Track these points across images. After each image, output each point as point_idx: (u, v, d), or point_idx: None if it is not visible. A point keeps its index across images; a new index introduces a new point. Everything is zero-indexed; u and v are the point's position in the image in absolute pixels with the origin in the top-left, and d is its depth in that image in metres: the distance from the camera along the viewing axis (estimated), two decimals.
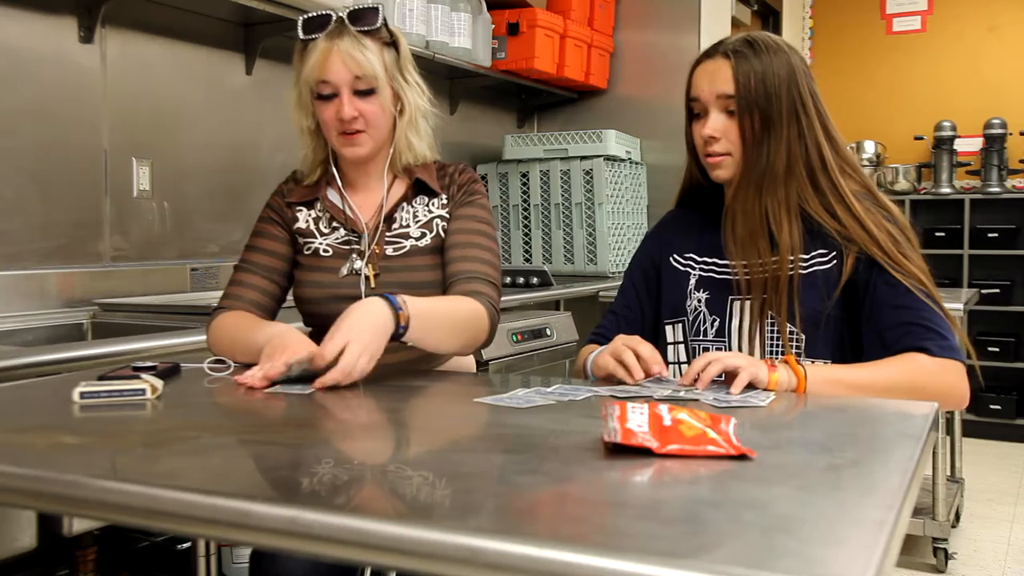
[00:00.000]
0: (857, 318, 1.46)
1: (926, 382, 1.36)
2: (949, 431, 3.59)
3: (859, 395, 1.33)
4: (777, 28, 5.53)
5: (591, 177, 3.83)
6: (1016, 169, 5.15)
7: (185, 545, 2.14)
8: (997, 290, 4.97)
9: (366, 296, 1.57)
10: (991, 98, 5.24)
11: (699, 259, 1.58)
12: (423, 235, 1.65)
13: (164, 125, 2.68)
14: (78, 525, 1.67)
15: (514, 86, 4.09)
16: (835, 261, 1.46)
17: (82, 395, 1.24)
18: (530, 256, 4.01)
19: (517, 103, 4.40)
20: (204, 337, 1.90)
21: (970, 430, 4.64)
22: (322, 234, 1.66)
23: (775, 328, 1.47)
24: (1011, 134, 5.10)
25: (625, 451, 0.95)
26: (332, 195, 1.68)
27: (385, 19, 1.58)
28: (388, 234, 1.65)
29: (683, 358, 1.57)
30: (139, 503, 0.85)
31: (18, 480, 0.92)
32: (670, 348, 1.59)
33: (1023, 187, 5.17)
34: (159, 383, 1.30)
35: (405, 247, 1.64)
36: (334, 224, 1.66)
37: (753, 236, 1.48)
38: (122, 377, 1.33)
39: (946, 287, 4.46)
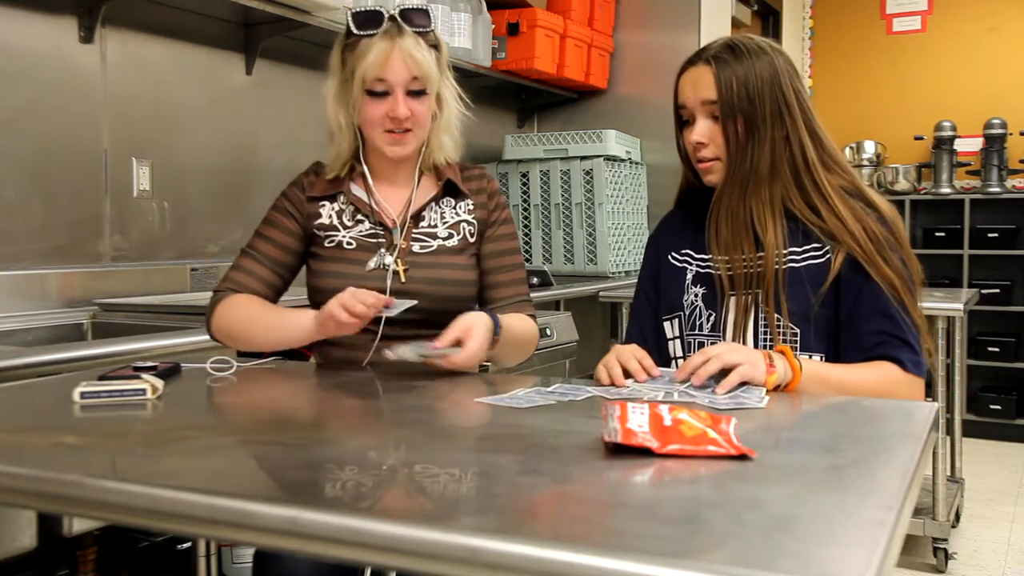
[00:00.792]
0: (848, 306, 1.48)
1: (896, 393, 1.41)
2: (949, 431, 3.59)
3: (841, 395, 1.36)
4: (777, 28, 5.54)
5: (591, 177, 3.83)
6: (1016, 169, 5.15)
7: (185, 545, 2.14)
8: (997, 290, 4.97)
9: (392, 291, 1.59)
10: (991, 98, 5.24)
11: (696, 255, 1.59)
12: (450, 235, 1.66)
13: (164, 125, 2.68)
14: (78, 525, 1.67)
15: (514, 86, 4.09)
16: (827, 256, 1.47)
17: (82, 395, 1.24)
18: (530, 256, 4.01)
19: (517, 103, 4.40)
20: (204, 337, 1.90)
21: (970, 430, 4.63)
22: (345, 227, 1.65)
23: (766, 323, 1.48)
24: (1011, 134, 5.10)
25: (625, 451, 0.95)
26: (356, 189, 1.66)
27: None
28: (415, 231, 1.65)
29: (679, 353, 1.58)
30: (139, 503, 0.85)
31: (18, 480, 0.92)
32: (669, 344, 1.60)
33: (1023, 187, 5.17)
34: (159, 383, 1.30)
35: (432, 246, 1.65)
36: (358, 217, 1.65)
37: (736, 237, 1.50)
38: (122, 377, 1.33)
39: (946, 287, 4.46)
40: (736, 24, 4.69)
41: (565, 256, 3.92)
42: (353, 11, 1.58)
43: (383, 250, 1.62)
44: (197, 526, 0.86)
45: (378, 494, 0.89)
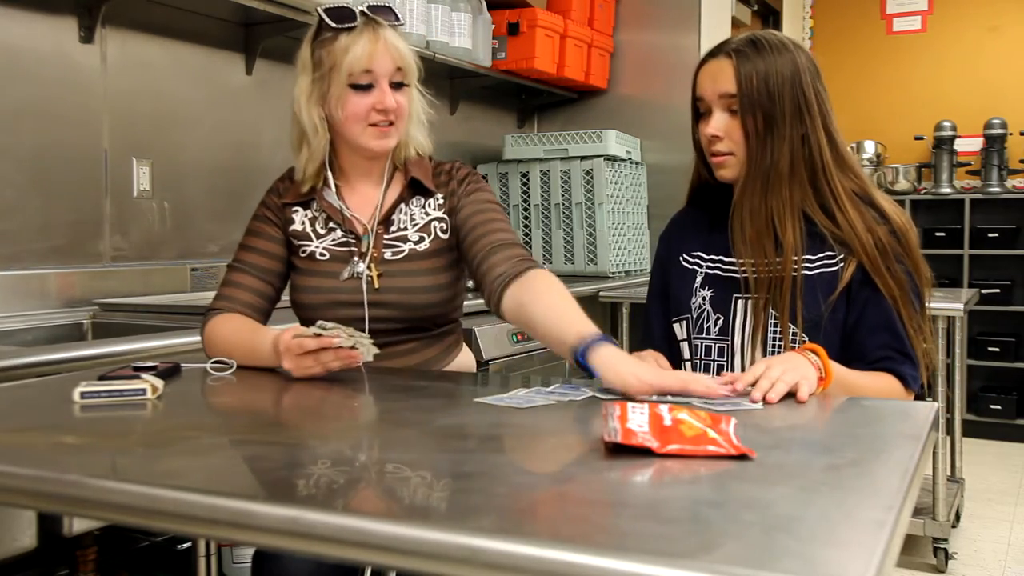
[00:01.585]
0: (858, 313, 1.48)
1: None
2: (949, 431, 3.59)
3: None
4: (777, 28, 5.53)
5: (591, 177, 3.83)
6: (1016, 169, 5.15)
7: (185, 545, 2.14)
8: (997, 290, 4.97)
9: (369, 300, 1.56)
10: (991, 98, 5.24)
11: (707, 257, 1.58)
12: (421, 239, 1.63)
13: (164, 125, 2.68)
14: (78, 525, 1.67)
15: (514, 86, 4.09)
16: (840, 265, 1.47)
17: (82, 395, 1.24)
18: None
19: (517, 103, 4.40)
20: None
21: (970, 430, 4.63)
22: (318, 236, 1.63)
23: (777, 328, 1.47)
24: (1011, 134, 5.10)
25: (625, 451, 0.95)
26: (328, 195, 1.64)
27: None
28: (386, 236, 1.62)
29: (687, 356, 1.58)
30: (139, 503, 0.85)
31: (18, 480, 0.92)
32: (680, 346, 1.60)
33: (1023, 187, 5.17)
34: (159, 383, 1.30)
35: (404, 251, 1.62)
36: (331, 225, 1.63)
37: (760, 236, 1.49)
38: (122, 377, 1.33)
39: (946, 287, 4.46)
40: (736, 24, 4.69)
41: (565, 256, 3.92)
42: (325, 8, 1.57)
43: (356, 258, 1.60)
44: (197, 526, 0.86)
45: (377, 493, 0.89)
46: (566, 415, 1.19)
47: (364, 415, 1.31)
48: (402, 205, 1.65)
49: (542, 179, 3.94)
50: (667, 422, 0.98)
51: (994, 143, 5.07)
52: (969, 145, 5.20)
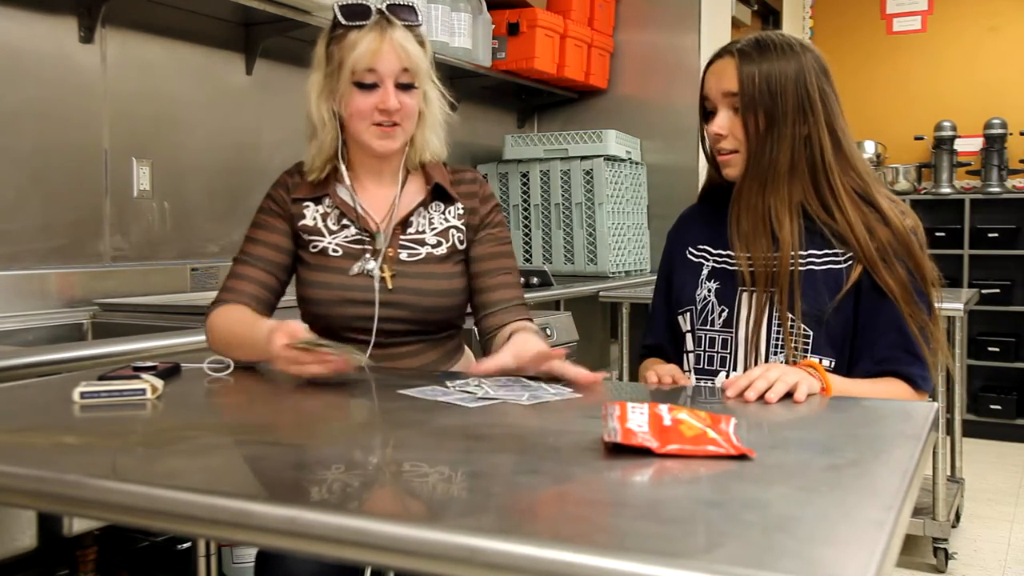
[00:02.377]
0: (861, 314, 1.50)
1: None
2: (949, 431, 3.59)
3: None
4: (777, 28, 5.53)
5: (591, 177, 3.83)
6: (1016, 169, 5.15)
7: (185, 545, 2.14)
8: (997, 290, 4.97)
9: (381, 300, 1.57)
10: (991, 98, 5.24)
11: (713, 251, 1.60)
12: (439, 243, 1.63)
13: (164, 125, 2.68)
14: (78, 525, 1.67)
15: (514, 86, 4.09)
16: (849, 263, 1.49)
17: (82, 395, 1.24)
18: (530, 256, 4.01)
19: (517, 103, 4.40)
20: (204, 337, 1.90)
21: (970, 430, 4.63)
22: (331, 232, 1.62)
23: (780, 323, 1.49)
24: (1011, 134, 5.10)
25: (625, 451, 0.95)
26: (342, 191, 1.63)
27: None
28: (403, 237, 1.62)
29: (691, 347, 1.59)
30: (139, 503, 0.85)
31: (18, 480, 0.92)
32: (685, 337, 1.62)
33: (1023, 187, 5.17)
34: (159, 383, 1.30)
35: (421, 254, 1.62)
36: (344, 222, 1.62)
37: (755, 231, 1.51)
38: (122, 377, 1.33)
39: (946, 287, 4.45)
40: (736, 24, 4.69)
41: (565, 256, 3.92)
42: (341, 3, 1.56)
43: (367, 255, 1.60)
44: (197, 526, 0.86)
45: (377, 494, 0.89)
46: (566, 415, 1.19)
47: (364, 415, 1.30)
48: (421, 208, 1.64)
49: (542, 179, 3.94)
50: (667, 422, 0.98)
51: (994, 143, 5.07)
52: (969, 145, 5.20)
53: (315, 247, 1.62)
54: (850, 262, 1.48)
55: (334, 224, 1.63)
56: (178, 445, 1.04)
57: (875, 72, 5.57)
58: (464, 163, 1.74)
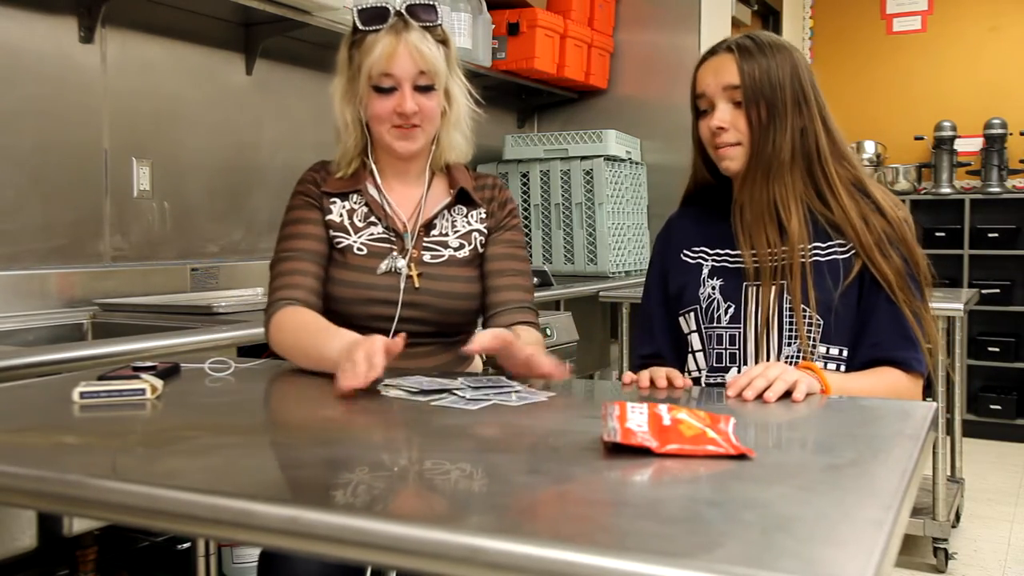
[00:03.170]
0: (864, 302, 1.52)
1: (901, 396, 1.47)
2: (949, 431, 3.59)
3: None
4: (777, 28, 5.53)
5: (591, 177, 3.83)
6: (1016, 169, 5.15)
7: (185, 545, 2.14)
8: (997, 290, 4.97)
9: (404, 300, 1.56)
10: (991, 98, 5.24)
11: (711, 251, 1.60)
12: (461, 246, 1.64)
13: (164, 125, 2.68)
14: (78, 525, 1.67)
15: (514, 86, 4.09)
16: (852, 252, 1.51)
17: (82, 395, 1.24)
18: (530, 256, 4.01)
19: (517, 103, 4.40)
20: (204, 337, 1.91)
21: (970, 430, 4.63)
22: (356, 229, 1.62)
23: (792, 315, 1.50)
24: (1011, 134, 5.10)
25: (625, 451, 0.95)
26: (371, 189, 1.64)
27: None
28: (426, 239, 1.63)
29: (698, 346, 1.59)
30: (140, 503, 0.85)
31: (18, 480, 0.92)
32: (689, 339, 1.61)
33: (1023, 187, 5.17)
34: (159, 383, 1.30)
35: (443, 256, 1.62)
36: (371, 219, 1.62)
37: (760, 222, 1.52)
38: (122, 377, 1.33)
39: (946, 287, 4.46)
40: (736, 24, 4.69)
41: (565, 256, 3.92)
42: (359, 7, 1.56)
43: (395, 253, 1.60)
44: (198, 526, 0.86)
45: (378, 494, 0.89)
46: (566, 415, 1.19)
47: (363, 415, 1.30)
48: (445, 212, 1.65)
49: (542, 179, 3.94)
50: (666, 422, 0.98)
51: (994, 143, 5.07)
52: (969, 145, 5.20)
53: (339, 244, 1.61)
54: (852, 252, 1.51)
55: (360, 221, 1.63)
56: (178, 445, 1.04)
57: (875, 72, 5.57)
58: (497, 177, 1.74)
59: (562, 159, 3.90)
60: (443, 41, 1.60)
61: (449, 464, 0.98)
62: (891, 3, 5.58)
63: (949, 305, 3.07)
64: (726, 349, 1.55)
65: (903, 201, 4.87)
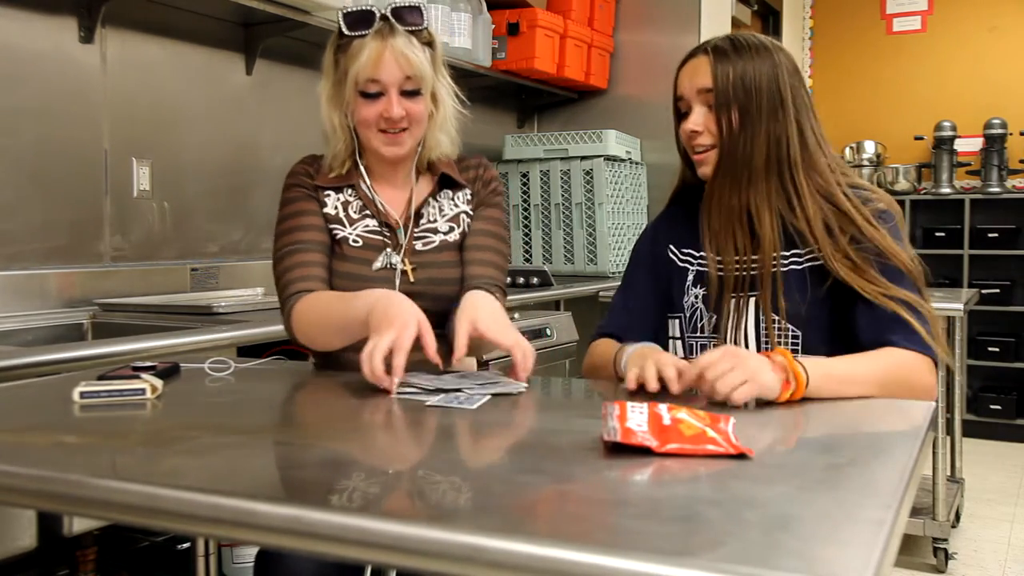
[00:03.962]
0: (841, 305, 1.47)
1: (908, 374, 1.38)
2: (949, 431, 3.59)
3: (850, 388, 1.32)
4: (777, 28, 5.53)
5: (591, 177, 3.83)
6: (1016, 169, 5.15)
7: (185, 545, 2.14)
8: (997, 290, 4.97)
9: (401, 290, 1.55)
10: (991, 98, 5.24)
11: (697, 254, 1.58)
12: (451, 229, 1.66)
13: (164, 125, 2.68)
14: (78, 525, 1.67)
15: (514, 86, 4.09)
16: (820, 260, 1.46)
17: (82, 395, 1.24)
18: (530, 256, 4.01)
19: (517, 103, 4.40)
20: (204, 337, 1.91)
21: (970, 430, 4.64)
22: (351, 221, 1.62)
23: (767, 326, 1.48)
24: (1011, 134, 5.10)
25: (625, 450, 0.95)
26: (363, 186, 1.65)
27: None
28: (416, 230, 1.64)
29: (681, 354, 1.58)
30: (140, 502, 0.85)
31: (19, 480, 0.92)
32: (671, 344, 1.60)
33: (1023, 187, 5.17)
34: (159, 383, 1.30)
35: (434, 242, 1.64)
36: (365, 212, 1.63)
37: (728, 229, 1.50)
38: (122, 377, 1.33)
39: (946, 287, 4.46)
40: (736, 24, 4.69)
41: (565, 256, 3.92)
42: (344, 11, 1.56)
43: (389, 250, 1.61)
44: (198, 525, 0.86)
45: (378, 493, 0.89)
46: (566, 415, 1.19)
47: (363, 415, 1.31)
48: (431, 199, 1.66)
49: (542, 179, 3.94)
50: (666, 421, 0.98)
51: (994, 143, 5.07)
52: (969, 145, 5.20)
53: (335, 235, 1.62)
54: (820, 259, 1.46)
55: (355, 213, 1.64)
56: (178, 445, 1.04)
57: (875, 72, 5.57)
58: (481, 157, 1.74)
59: (562, 159, 3.90)
60: (429, 43, 1.60)
61: (449, 463, 0.98)
62: (891, 3, 5.58)
63: (949, 305, 3.07)
64: None
65: (903, 202, 4.80)
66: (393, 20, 1.54)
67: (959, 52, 5.39)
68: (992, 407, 4.92)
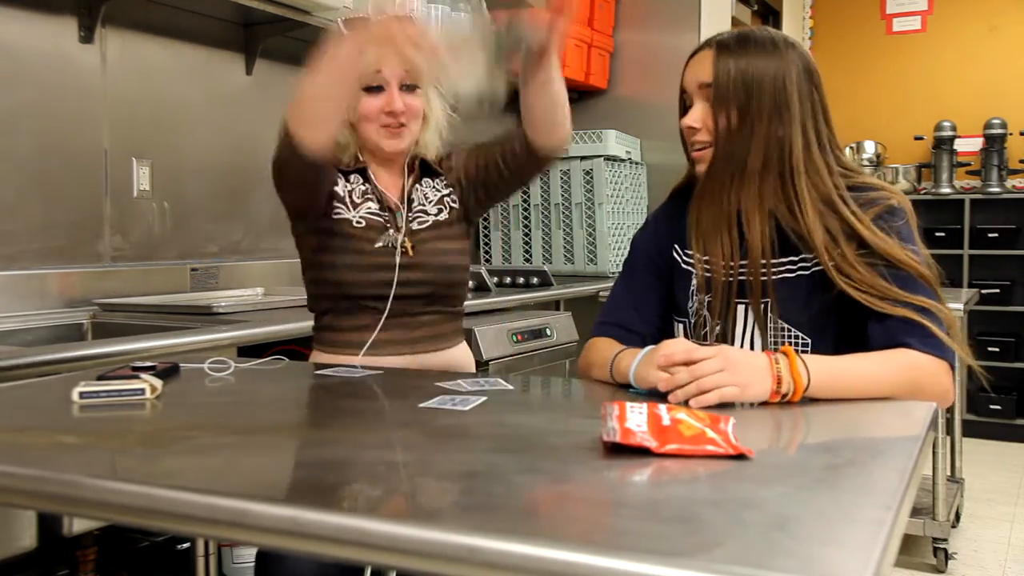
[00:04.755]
0: (853, 311, 1.41)
1: (920, 376, 1.33)
2: (949, 431, 3.59)
3: (857, 390, 1.29)
4: (777, 28, 5.51)
5: (591, 177, 3.83)
6: (1016, 169, 5.15)
7: (185, 545, 2.14)
8: (997, 290, 4.97)
9: (402, 264, 1.64)
10: (991, 98, 5.24)
11: (702, 256, 1.53)
12: (440, 211, 1.74)
13: (164, 125, 2.68)
14: (78, 525, 1.67)
15: (514, 86, 4.08)
16: (821, 267, 1.42)
17: (81, 395, 1.24)
18: (530, 256, 4.01)
19: (517, 103, 4.39)
20: (203, 337, 1.91)
21: (970, 430, 4.64)
22: (355, 205, 1.69)
23: (760, 331, 1.44)
24: (1011, 134, 5.10)
25: (624, 451, 0.95)
26: (368, 174, 1.73)
27: None
28: (409, 212, 1.72)
29: None
30: (139, 503, 0.85)
31: (18, 480, 0.92)
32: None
33: (1023, 187, 5.17)
34: (158, 383, 1.30)
35: (428, 221, 1.72)
36: (367, 197, 1.70)
37: (717, 231, 1.45)
38: (122, 377, 1.33)
39: (946, 287, 4.45)
40: (736, 24, 4.69)
41: (565, 256, 3.92)
42: (343, 19, 1.60)
43: (392, 231, 1.67)
44: (197, 526, 0.86)
45: (377, 493, 0.89)
46: (566, 415, 1.19)
47: (363, 415, 1.31)
48: (417, 186, 1.75)
49: (542, 179, 3.94)
50: (665, 422, 0.98)
51: (994, 143, 5.07)
52: (969, 145, 5.20)
53: (337, 214, 1.67)
54: (821, 266, 1.41)
55: (358, 198, 1.70)
56: (178, 445, 1.04)
57: (875, 72, 5.57)
58: (453, 144, 1.81)
59: (562, 159, 3.90)
60: None
61: (447, 464, 0.98)
62: (891, 3, 5.58)
63: (949, 305, 3.07)
64: None
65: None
66: None
67: (959, 52, 5.39)
68: (992, 407, 4.92)
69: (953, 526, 3.41)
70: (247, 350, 1.97)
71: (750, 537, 0.72)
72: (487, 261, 4.12)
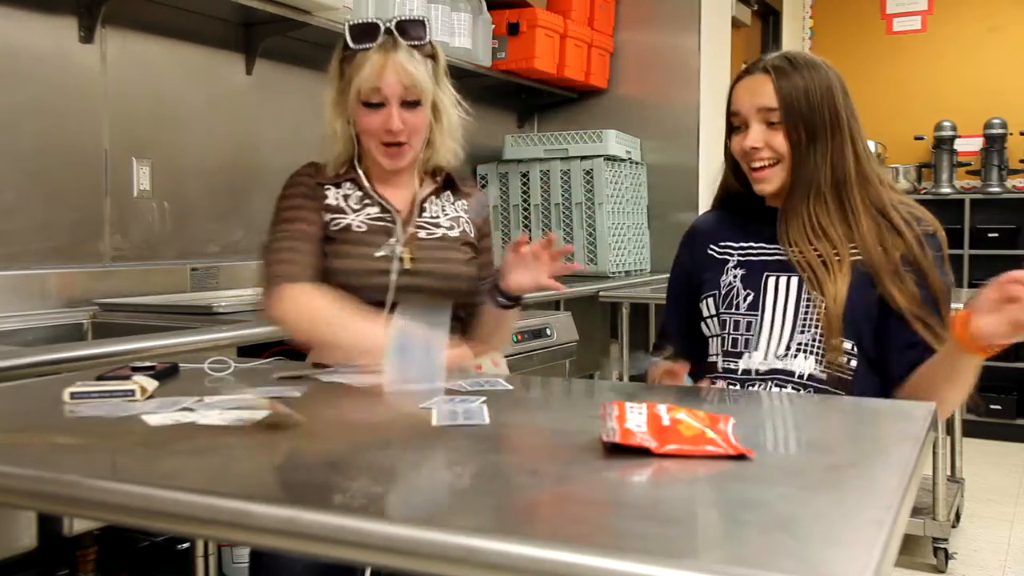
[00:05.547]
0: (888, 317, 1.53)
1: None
2: (949, 431, 3.59)
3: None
4: (777, 28, 5.53)
5: (591, 177, 3.83)
6: (1016, 169, 5.15)
7: (185, 545, 2.14)
8: None
9: (398, 279, 1.61)
10: (991, 98, 5.24)
11: (736, 245, 1.62)
12: (452, 227, 1.72)
13: (164, 125, 2.68)
14: (78, 525, 1.67)
15: (514, 86, 4.09)
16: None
17: (72, 396, 1.23)
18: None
19: (517, 103, 4.40)
20: (203, 337, 1.91)
21: (970, 430, 4.63)
22: (353, 210, 1.66)
23: (810, 307, 1.50)
24: (1011, 134, 5.10)
25: (624, 451, 0.95)
26: (361, 181, 1.70)
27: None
28: (419, 219, 1.69)
29: (716, 330, 1.59)
30: (138, 503, 0.85)
31: (18, 480, 0.92)
32: (706, 324, 1.61)
33: (1023, 187, 5.17)
34: (150, 384, 1.29)
35: (437, 233, 1.69)
36: (366, 201, 1.67)
37: (803, 238, 1.54)
38: (116, 378, 1.33)
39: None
40: (736, 24, 4.69)
41: (565, 256, 3.91)
42: (350, 23, 1.62)
43: (393, 240, 1.64)
44: (196, 526, 0.86)
45: (376, 494, 0.89)
46: (566, 415, 1.19)
47: (362, 415, 1.31)
48: (433, 198, 1.73)
49: (542, 179, 3.94)
50: (665, 422, 0.98)
51: (994, 143, 5.07)
52: (969, 145, 5.20)
53: (337, 224, 1.65)
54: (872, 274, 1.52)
55: (356, 204, 1.68)
56: (176, 445, 1.04)
57: (875, 72, 5.57)
58: (464, 163, 1.79)
59: (562, 159, 3.90)
60: (431, 56, 1.66)
61: (448, 464, 0.98)
62: (891, 3, 5.58)
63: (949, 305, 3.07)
64: (741, 335, 1.56)
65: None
66: (396, 34, 1.60)
67: (959, 52, 5.39)
68: (992, 407, 4.92)
69: (953, 526, 3.41)
70: (247, 350, 1.97)
71: (750, 538, 0.72)
72: None
